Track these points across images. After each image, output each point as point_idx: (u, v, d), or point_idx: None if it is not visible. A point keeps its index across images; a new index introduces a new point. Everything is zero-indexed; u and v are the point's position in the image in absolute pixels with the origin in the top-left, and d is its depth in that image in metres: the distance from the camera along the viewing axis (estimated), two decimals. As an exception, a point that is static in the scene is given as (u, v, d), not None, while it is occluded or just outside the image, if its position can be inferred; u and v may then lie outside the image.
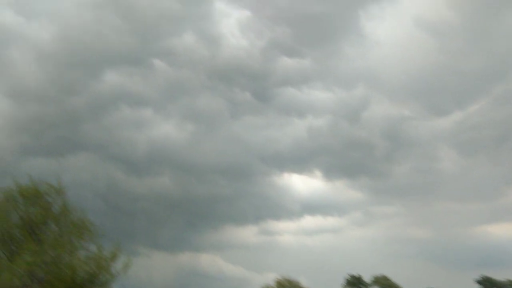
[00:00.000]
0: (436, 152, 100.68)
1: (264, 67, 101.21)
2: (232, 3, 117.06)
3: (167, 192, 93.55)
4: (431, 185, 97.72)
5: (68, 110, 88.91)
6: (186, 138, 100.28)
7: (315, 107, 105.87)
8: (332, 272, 70.71)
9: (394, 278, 54.96)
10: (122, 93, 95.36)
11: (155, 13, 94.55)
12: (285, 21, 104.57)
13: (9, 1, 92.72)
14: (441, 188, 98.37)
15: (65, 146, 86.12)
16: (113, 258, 25.09)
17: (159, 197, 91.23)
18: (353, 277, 57.75)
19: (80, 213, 25.71)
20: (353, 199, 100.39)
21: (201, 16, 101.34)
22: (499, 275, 56.41)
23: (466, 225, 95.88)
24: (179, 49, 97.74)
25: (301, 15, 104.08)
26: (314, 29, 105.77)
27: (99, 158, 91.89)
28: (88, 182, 77.80)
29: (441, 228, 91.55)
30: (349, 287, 57.41)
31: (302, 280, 50.87)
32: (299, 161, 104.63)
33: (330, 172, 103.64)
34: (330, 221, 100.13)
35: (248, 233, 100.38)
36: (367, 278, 56.93)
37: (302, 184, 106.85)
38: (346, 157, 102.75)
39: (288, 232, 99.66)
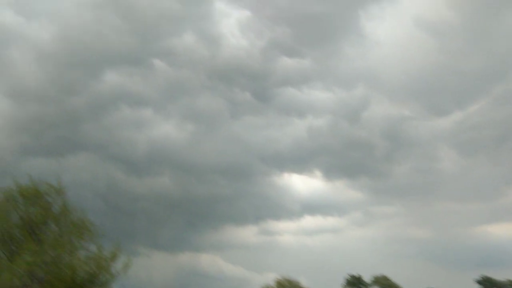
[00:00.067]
0: (436, 152, 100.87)
1: (264, 67, 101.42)
2: (232, 3, 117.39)
3: (167, 192, 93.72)
4: (431, 185, 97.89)
5: (68, 110, 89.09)
6: (186, 138, 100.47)
7: (315, 107, 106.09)
8: (332, 272, 70.81)
9: (394, 278, 55.06)
10: (122, 93, 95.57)
11: (155, 13, 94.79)
12: (285, 21, 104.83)
13: (9, 1, 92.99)
14: (441, 188, 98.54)
15: (65, 146, 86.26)
16: (113, 258, 25.09)
17: (159, 197, 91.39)
18: (353, 277, 57.74)
19: (80, 213, 25.74)
20: (353, 199, 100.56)
21: (201, 16, 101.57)
22: (499, 275, 56.52)
23: (466, 225, 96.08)
24: (179, 49, 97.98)
25: (301, 15, 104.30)
26: (314, 29, 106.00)
27: (99, 158, 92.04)
28: (88, 182, 77.90)
29: (441, 228, 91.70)
30: (349, 287, 57.43)
31: (302, 280, 50.94)
32: (299, 161, 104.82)
33: (330, 172, 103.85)
34: (330, 221, 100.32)
35: (248, 233, 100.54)
36: (367, 278, 57.01)
37: (302, 184, 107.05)
38: (346, 157, 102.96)
39: (288, 232, 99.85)
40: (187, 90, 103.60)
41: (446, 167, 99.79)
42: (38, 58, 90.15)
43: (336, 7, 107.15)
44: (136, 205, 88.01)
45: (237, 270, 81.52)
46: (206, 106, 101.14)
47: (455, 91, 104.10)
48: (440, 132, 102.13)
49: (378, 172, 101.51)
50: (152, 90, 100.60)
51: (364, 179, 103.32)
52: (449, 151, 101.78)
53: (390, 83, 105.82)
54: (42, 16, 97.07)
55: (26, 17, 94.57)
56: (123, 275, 25.33)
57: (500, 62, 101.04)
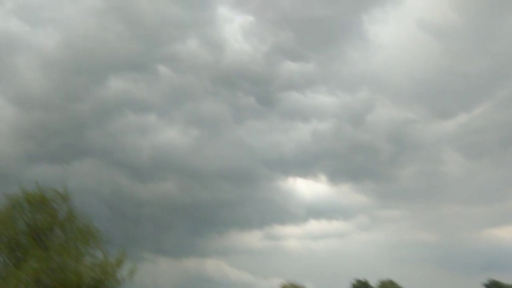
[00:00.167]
0: (440, 155, 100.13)
1: (267, 72, 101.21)
2: (235, 8, 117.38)
3: (171, 197, 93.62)
4: (436, 188, 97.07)
5: (72, 116, 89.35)
6: (190, 143, 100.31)
7: (319, 111, 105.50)
8: (338, 276, 70.35)
9: (401, 282, 54.56)
10: (127, 99, 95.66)
11: (158, 19, 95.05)
12: (288, 25, 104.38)
13: (14, 9, 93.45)
14: (446, 191, 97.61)
15: (70, 153, 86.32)
16: (119, 264, 25.13)
17: (163, 203, 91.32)
18: (359, 281, 57.48)
19: (85, 219, 25.85)
20: (358, 203, 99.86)
21: (204, 21, 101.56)
22: (506, 279, 56.07)
23: (472, 228, 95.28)
24: (182, 54, 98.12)
25: (304, 19, 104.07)
26: (317, 33, 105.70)
27: (103, 164, 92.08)
28: (93, 188, 77.86)
29: (447, 232, 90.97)
30: (355, 292, 57.18)
31: (308, 285, 50.92)
32: (304, 165, 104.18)
33: (335, 176, 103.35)
34: (335, 225, 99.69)
35: (253, 238, 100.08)
36: (373, 282, 56.73)
37: (307, 188, 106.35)
38: (350, 161, 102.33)
39: (293, 236, 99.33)
40: (191, 95, 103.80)
41: (451, 170, 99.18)
42: (43, 65, 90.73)
43: (339, 11, 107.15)
44: (140, 210, 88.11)
45: (242, 275, 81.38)
46: (210, 111, 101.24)
47: (459, 93, 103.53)
48: (444, 135, 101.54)
49: (383, 175, 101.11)
50: (156, 96, 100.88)
51: (369, 183, 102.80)
52: (453, 154, 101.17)
53: (394, 86, 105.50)
54: (47, 24, 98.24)
55: (31, 25, 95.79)
56: (128, 281, 25.35)
57: (504, 64, 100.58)
